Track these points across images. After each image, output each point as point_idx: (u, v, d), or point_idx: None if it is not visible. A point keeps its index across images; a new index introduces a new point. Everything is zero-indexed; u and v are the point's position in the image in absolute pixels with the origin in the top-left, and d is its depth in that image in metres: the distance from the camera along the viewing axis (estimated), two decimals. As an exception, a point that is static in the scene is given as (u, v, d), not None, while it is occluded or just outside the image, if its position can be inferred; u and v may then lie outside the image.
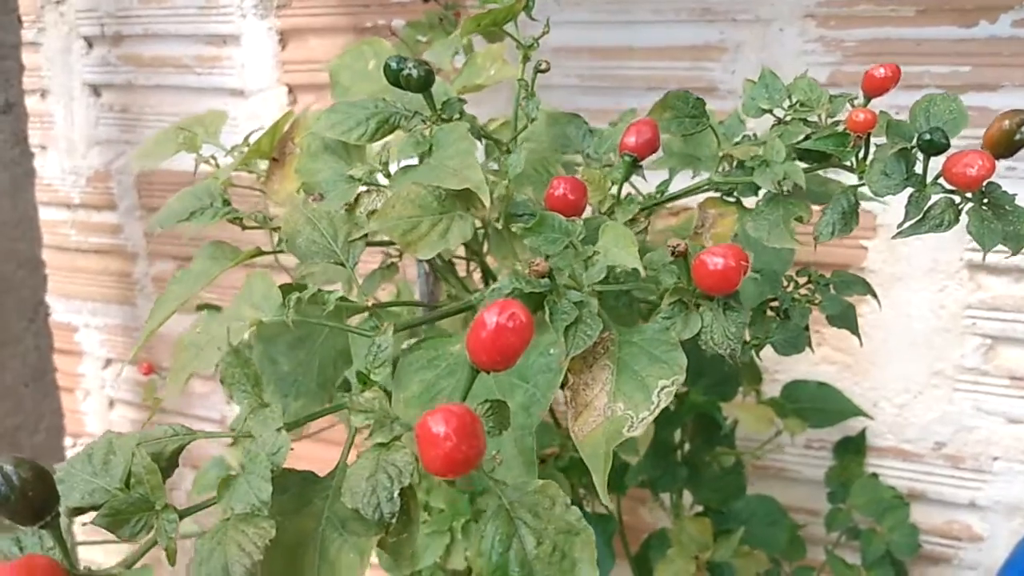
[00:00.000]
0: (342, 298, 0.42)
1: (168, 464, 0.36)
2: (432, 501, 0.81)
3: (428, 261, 0.58)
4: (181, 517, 0.34)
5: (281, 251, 0.49)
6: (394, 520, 0.34)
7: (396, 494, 0.34)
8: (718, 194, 0.56)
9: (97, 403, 1.58)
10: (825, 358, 1.01)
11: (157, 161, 0.68)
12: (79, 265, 1.52)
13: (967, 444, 0.96)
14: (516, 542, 0.33)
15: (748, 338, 0.57)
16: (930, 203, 0.46)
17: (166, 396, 0.44)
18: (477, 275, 0.71)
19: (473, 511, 0.77)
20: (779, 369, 1.03)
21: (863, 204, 0.92)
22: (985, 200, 0.45)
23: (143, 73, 1.34)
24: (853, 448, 1.00)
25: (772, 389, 0.98)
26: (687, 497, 0.94)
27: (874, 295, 0.61)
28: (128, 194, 1.41)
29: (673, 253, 0.40)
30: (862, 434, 0.99)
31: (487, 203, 0.44)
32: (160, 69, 1.31)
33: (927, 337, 0.95)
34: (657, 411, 0.38)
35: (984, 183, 0.44)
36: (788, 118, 0.51)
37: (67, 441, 1.55)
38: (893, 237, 0.46)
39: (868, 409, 0.97)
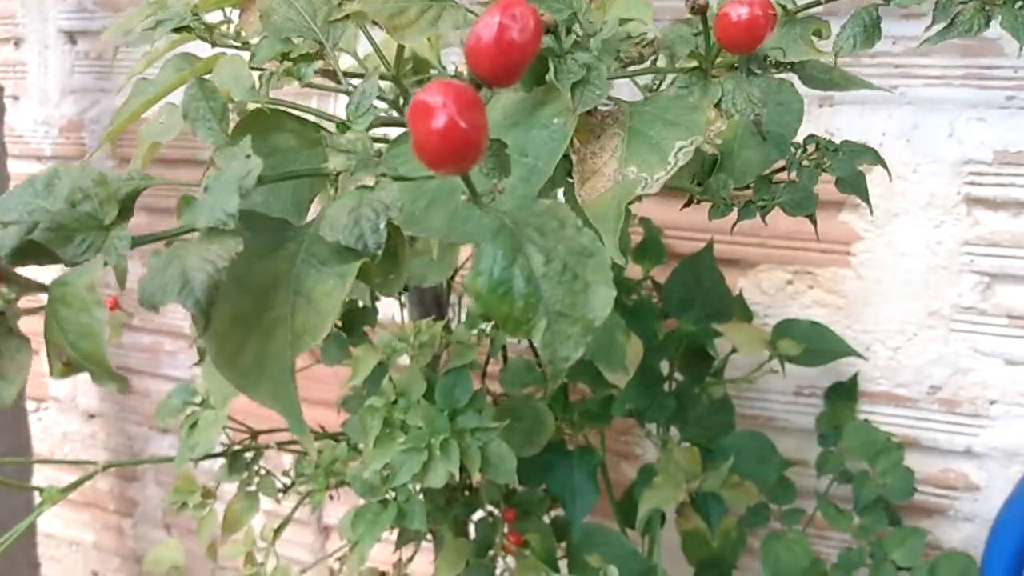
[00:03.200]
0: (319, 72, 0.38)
1: (121, 209, 0.32)
2: (409, 419, 0.77)
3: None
4: (135, 245, 0.30)
5: (256, 68, 0.45)
6: (380, 252, 0.30)
7: (382, 225, 0.30)
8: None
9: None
10: (817, 301, 0.97)
11: (130, 28, 0.64)
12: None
13: (963, 387, 0.93)
14: (522, 258, 0.29)
15: (754, 199, 0.54)
16: (958, 8, 0.43)
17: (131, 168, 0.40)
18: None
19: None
20: (769, 313, 1.00)
21: (858, 139, 0.89)
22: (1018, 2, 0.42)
23: (120, 19, 1.30)
24: (845, 394, 0.96)
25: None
26: (675, 436, 0.91)
27: (884, 166, 0.58)
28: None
29: (693, 8, 0.37)
30: (854, 379, 0.96)
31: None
32: (138, 10, 1.27)
33: (923, 276, 0.92)
34: (674, 171, 0.34)
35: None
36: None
37: (30, 405, 1.49)
38: (918, 46, 0.43)
39: (862, 353, 0.94)
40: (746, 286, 1.00)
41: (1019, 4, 0.42)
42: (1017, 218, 0.88)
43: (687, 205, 0.59)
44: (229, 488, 0.88)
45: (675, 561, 0.97)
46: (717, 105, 0.39)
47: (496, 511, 0.90)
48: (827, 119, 0.92)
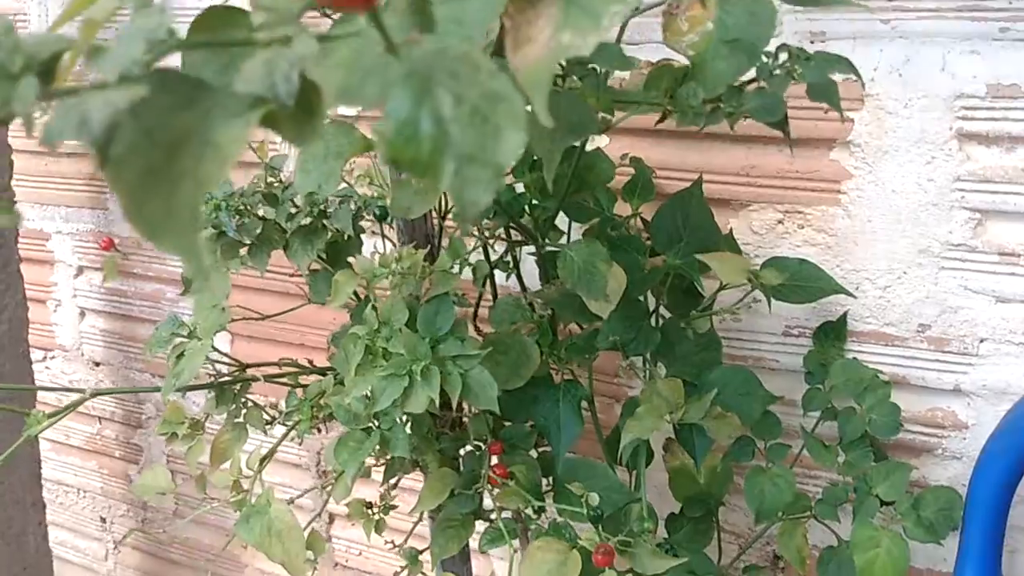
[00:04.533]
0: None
1: (43, 70, 0.32)
2: (391, 347, 0.77)
3: None
4: (47, 97, 0.30)
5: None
6: (291, 102, 0.30)
7: (295, 75, 0.30)
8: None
9: (69, 314, 1.54)
10: (807, 240, 0.97)
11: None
12: (51, 170, 1.48)
13: (952, 326, 0.92)
14: (430, 100, 0.29)
15: (723, 106, 0.54)
16: None
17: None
18: None
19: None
20: (759, 253, 0.99)
21: (849, 74, 0.88)
22: None
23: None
24: (833, 333, 0.96)
25: (752, 268, 0.94)
26: (661, 373, 0.91)
27: (857, 75, 0.57)
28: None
29: None
30: (843, 318, 0.96)
31: None
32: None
33: (913, 213, 0.92)
34: (606, 33, 0.34)
35: None
36: None
37: (36, 354, 1.51)
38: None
39: (851, 292, 0.94)
40: (737, 226, 0.99)
41: None
42: (1010, 153, 0.87)
43: (660, 120, 0.59)
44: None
45: (663, 499, 0.98)
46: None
47: (483, 445, 0.90)
48: (817, 53, 0.91)
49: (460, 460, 0.92)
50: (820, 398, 0.92)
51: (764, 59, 0.55)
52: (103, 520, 1.62)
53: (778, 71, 0.54)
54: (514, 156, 0.28)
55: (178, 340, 0.86)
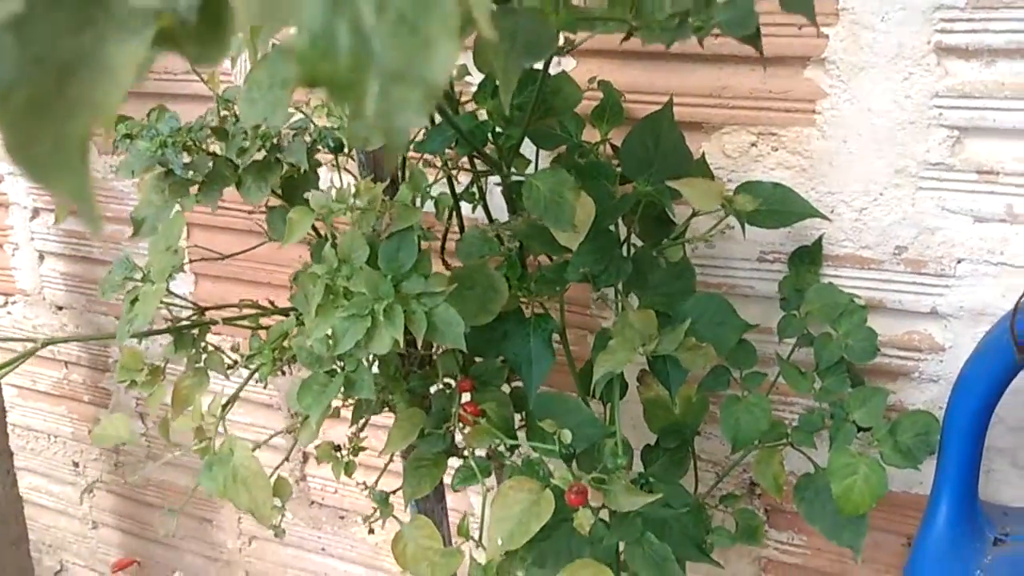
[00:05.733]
0: None
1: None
2: (352, 286, 0.74)
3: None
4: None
5: None
6: (192, 16, 0.26)
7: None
8: None
9: (27, 257, 1.50)
10: (781, 162, 0.94)
11: None
12: None
13: (929, 247, 0.90)
14: (348, 7, 0.25)
15: (691, 19, 0.50)
16: None
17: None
18: None
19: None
20: (732, 178, 0.96)
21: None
22: None
23: None
24: (809, 258, 0.94)
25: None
26: (634, 303, 0.88)
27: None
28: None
29: None
30: (818, 242, 0.94)
31: None
32: None
33: (890, 132, 0.89)
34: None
35: None
36: None
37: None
38: None
39: (826, 215, 0.91)
40: (709, 150, 0.96)
41: None
42: (990, 67, 0.84)
43: (626, 39, 0.56)
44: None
45: (638, 431, 0.96)
46: None
47: (453, 383, 0.88)
48: (791, -34, 0.87)
49: (430, 398, 0.90)
50: (795, 324, 0.90)
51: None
52: (75, 464, 1.60)
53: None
54: (446, 72, 0.25)
55: (132, 284, 0.82)
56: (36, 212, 1.45)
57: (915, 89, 0.87)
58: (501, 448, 0.84)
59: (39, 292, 1.50)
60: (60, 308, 1.49)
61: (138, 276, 0.82)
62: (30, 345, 0.79)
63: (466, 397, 0.87)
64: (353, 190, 0.72)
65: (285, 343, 0.84)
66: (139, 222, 0.82)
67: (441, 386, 0.88)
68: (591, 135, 0.92)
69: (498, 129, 0.78)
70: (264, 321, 0.88)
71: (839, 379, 0.88)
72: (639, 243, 0.89)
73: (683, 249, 0.86)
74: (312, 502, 1.39)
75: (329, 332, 0.73)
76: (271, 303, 0.89)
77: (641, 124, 0.88)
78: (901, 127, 0.88)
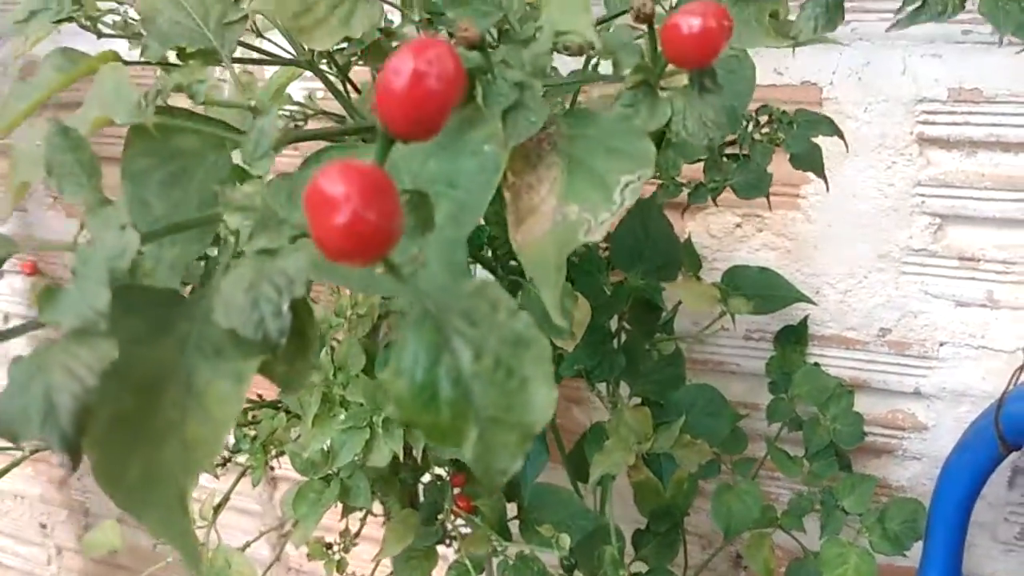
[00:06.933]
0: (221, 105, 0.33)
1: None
2: (349, 395, 0.74)
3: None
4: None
5: (147, 62, 0.40)
6: (283, 341, 0.26)
7: (285, 307, 0.26)
8: None
9: (-13, 318, 1.46)
10: (766, 244, 0.95)
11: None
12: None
13: (912, 330, 0.92)
14: (447, 355, 0.25)
15: (705, 182, 0.50)
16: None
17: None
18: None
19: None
20: (717, 257, 0.97)
21: (807, 78, 0.85)
22: (996, -22, 0.38)
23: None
24: (794, 337, 0.95)
25: (711, 277, 0.92)
26: (625, 391, 0.89)
27: (840, 136, 0.55)
28: (9, 84, 1.27)
29: (637, 17, 0.32)
30: (804, 322, 0.95)
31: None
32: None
33: (873, 218, 0.90)
34: (621, 211, 0.30)
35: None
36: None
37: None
38: (888, 29, 0.39)
39: (811, 297, 0.92)
40: (695, 229, 0.97)
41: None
42: (970, 158, 0.86)
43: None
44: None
45: (627, 508, 0.97)
46: (667, 125, 0.35)
47: (445, 474, 0.87)
48: (775, 58, 0.88)
49: (421, 488, 0.89)
50: (784, 408, 0.91)
51: (744, 121, 0.51)
52: (43, 526, 1.57)
53: (759, 136, 0.50)
54: (545, 415, 0.24)
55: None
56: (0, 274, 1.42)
57: (898, 177, 0.88)
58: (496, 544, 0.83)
59: (4, 353, 1.46)
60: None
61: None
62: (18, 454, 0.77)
63: (457, 490, 0.86)
64: (351, 300, 0.72)
65: (274, 439, 0.83)
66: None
67: (432, 477, 0.88)
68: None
69: (493, 233, 0.78)
70: (254, 415, 0.87)
71: (827, 463, 0.89)
72: (627, 326, 0.89)
73: (675, 343, 0.86)
74: None
75: (326, 444, 0.73)
76: (260, 397, 0.88)
77: (631, 213, 0.88)
78: (884, 213, 0.89)
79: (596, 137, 0.33)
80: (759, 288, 0.88)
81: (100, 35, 0.43)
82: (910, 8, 0.39)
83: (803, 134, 0.52)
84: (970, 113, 0.84)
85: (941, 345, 0.91)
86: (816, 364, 0.93)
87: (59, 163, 0.28)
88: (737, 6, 0.41)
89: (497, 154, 0.31)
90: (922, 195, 0.88)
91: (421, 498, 0.88)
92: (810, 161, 0.52)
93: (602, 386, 0.86)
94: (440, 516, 0.85)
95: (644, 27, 0.33)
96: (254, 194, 0.28)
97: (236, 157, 0.39)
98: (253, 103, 0.33)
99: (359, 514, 0.83)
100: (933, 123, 0.85)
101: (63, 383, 0.23)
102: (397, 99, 0.24)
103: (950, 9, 0.38)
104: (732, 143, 0.52)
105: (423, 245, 0.28)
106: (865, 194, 0.89)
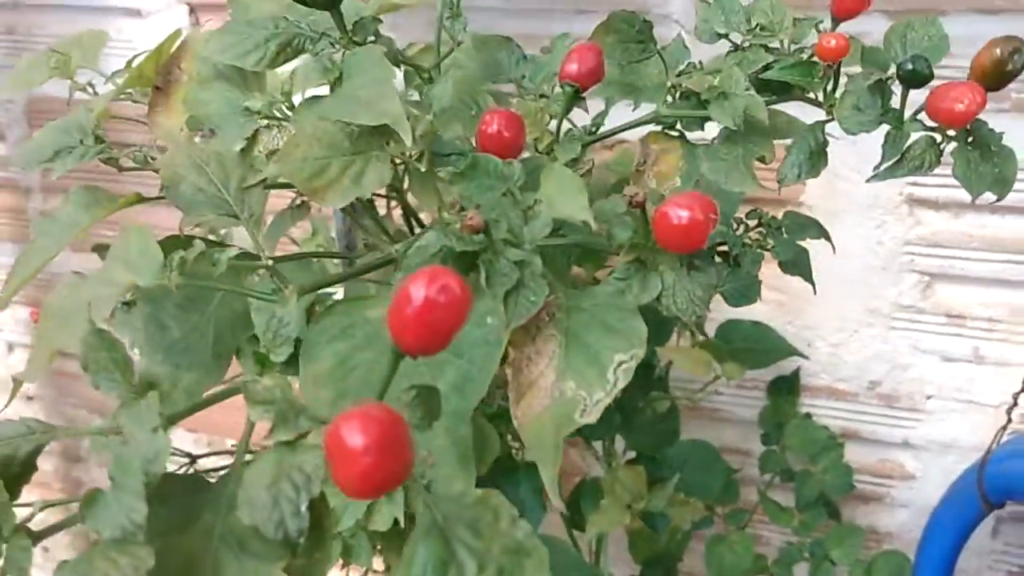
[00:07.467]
0: (239, 255, 0.35)
1: (22, 470, 0.29)
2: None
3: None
4: (36, 541, 0.28)
5: (164, 197, 0.42)
6: (302, 538, 0.28)
7: (303, 507, 0.28)
8: (660, 128, 0.51)
9: (-10, 348, 1.47)
10: (760, 297, 0.97)
11: (28, 87, 0.59)
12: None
13: (901, 383, 0.94)
14: (453, 569, 0.27)
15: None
16: (909, 142, 0.41)
17: (27, 376, 0.37)
18: (397, 212, 0.64)
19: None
20: (712, 309, 0.99)
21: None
22: (970, 139, 0.41)
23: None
24: (787, 388, 0.97)
25: (706, 330, 0.94)
26: (619, 444, 0.91)
27: (828, 238, 0.57)
28: (18, 124, 1.29)
29: (630, 204, 0.34)
30: (796, 373, 0.97)
31: (408, 141, 0.37)
32: (44, -16, 1.19)
33: (863, 275, 0.92)
34: (615, 392, 0.33)
35: (972, 120, 0.39)
36: (747, 44, 0.45)
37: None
38: (868, 180, 0.41)
39: (802, 348, 0.95)
40: (689, 281, 0.99)
41: (971, 143, 0.40)
42: (958, 218, 0.88)
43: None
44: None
45: (621, 551, 0.99)
46: (657, 299, 0.37)
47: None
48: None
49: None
50: (776, 460, 0.93)
51: (733, 224, 0.53)
52: (46, 550, 1.58)
53: (748, 241, 0.52)
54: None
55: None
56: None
57: (888, 236, 0.90)
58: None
59: (10, 383, 1.48)
60: (31, 399, 1.47)
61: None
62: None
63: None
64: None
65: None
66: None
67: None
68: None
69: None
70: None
71: (817, 512, 0.91)
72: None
73: (670, 400, 0.88)
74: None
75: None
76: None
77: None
78: (874, 271, 0.91)
79: (591, 312, 0.35)
80: (752, 342, 0.91)
81: (121, 169, 0.45)
82: (887, 164, 0.41)
83: (791, 240, 0.54)
84: (958, 176, 0.86)
85: (928, 398, 0.93)
86: (808, 414, 0.96)
87: (94, 360, 0.30)
88: (726, 145, 0.43)
89: (499, 327, 0.33)
90: (911, 253, 0.90)
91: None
92: (798, 266, 0.54)
93: (598, 444, 0.88)
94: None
95: (636, 213, 0.35)
96: (274, 387, 0.30)
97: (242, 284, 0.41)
98: (271, 262, 0.35)
99: (360, 570, 0.85)
100: (923, 184, 0.87)
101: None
102: (409, 324, 0.26)
103: (927, 164, 0.40)
104: (721, 244, 0.54)
105: (429, 438, 0.30)
106: (855, 252, 0.91)
